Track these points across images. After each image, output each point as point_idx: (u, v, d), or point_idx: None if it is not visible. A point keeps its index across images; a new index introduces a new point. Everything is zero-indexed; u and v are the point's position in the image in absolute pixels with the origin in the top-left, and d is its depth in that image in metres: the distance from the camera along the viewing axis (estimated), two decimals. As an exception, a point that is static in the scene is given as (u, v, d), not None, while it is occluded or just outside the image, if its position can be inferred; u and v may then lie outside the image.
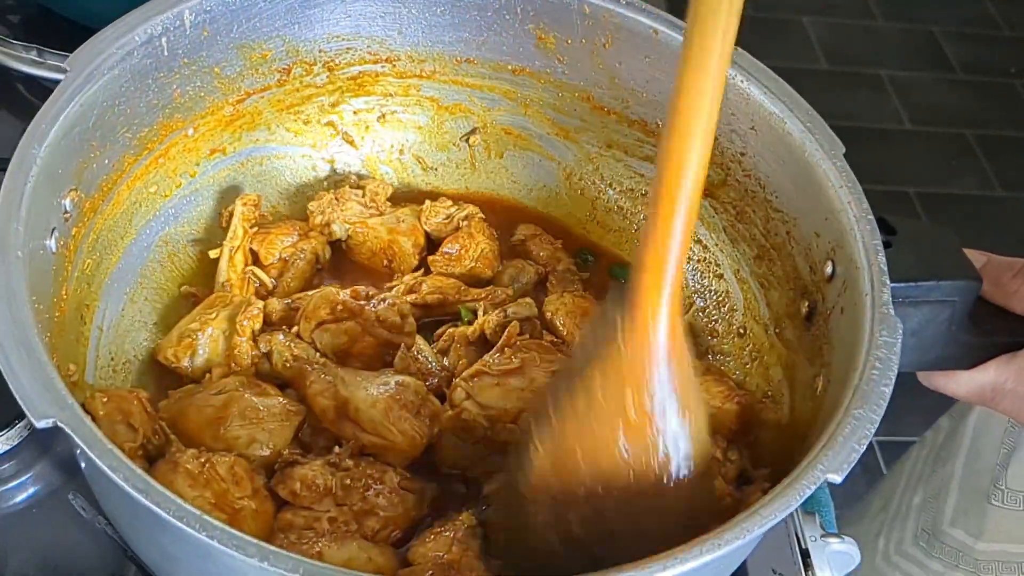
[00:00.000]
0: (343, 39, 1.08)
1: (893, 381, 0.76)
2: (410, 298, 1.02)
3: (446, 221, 1.11)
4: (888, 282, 0.83)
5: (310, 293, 1.01)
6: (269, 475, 0.86)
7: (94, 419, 0.83)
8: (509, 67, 1.12)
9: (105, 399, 0.84)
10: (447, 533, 0.81)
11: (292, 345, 0.95)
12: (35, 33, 1.21)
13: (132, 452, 0.83)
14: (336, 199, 1.09)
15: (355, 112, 1.15)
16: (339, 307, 0.96)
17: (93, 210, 0.91)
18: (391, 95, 1.15)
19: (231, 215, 1.04)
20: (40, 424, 0.65)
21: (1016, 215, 3.05)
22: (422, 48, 1.11)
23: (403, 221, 1.10)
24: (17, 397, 0.66)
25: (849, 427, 0.73)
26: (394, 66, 1.12)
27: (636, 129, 1.11)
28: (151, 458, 0.84)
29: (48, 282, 0.82)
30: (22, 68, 1.16)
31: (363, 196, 1.11)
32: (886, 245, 0.87)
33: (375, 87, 1.14)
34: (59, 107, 0.83)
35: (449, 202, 1.12)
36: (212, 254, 1.03)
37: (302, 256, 1.06)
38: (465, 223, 1.10)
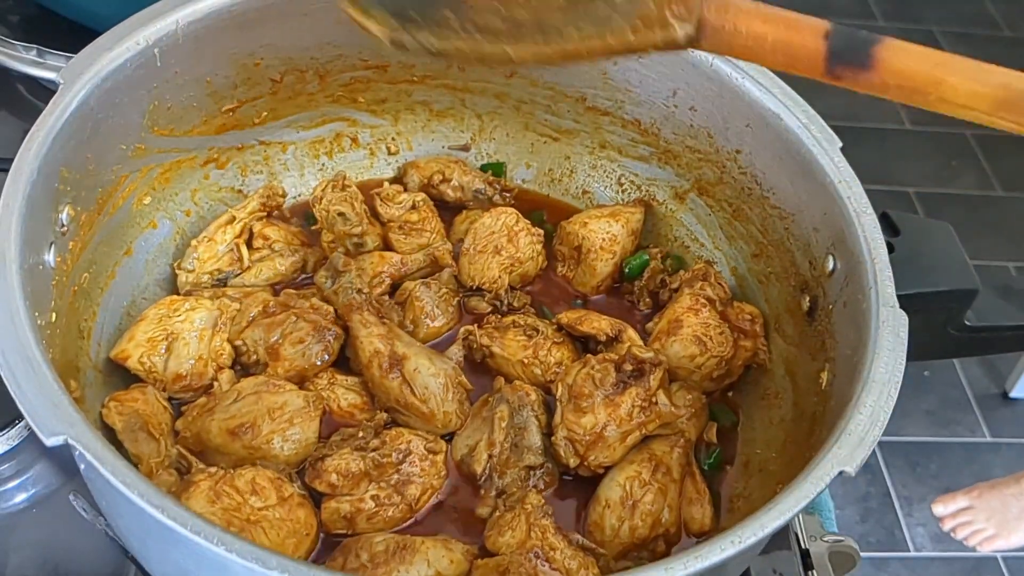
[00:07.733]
0: (334, 46, 1.07)
1: (902, 373, 0.77)
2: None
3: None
4: (891, 276, 0.84)
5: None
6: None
7: (115, 432, 0.84)
8: (502, 70, 1.11)
9: (120, 407, 0.85)
10: (521, 519, 0.82)
11: (357, 280, 0.99)
12: (35, 33, 1.19)
13: (158, 466, 0.83)
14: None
15: (346, 119, 1.14)
16: (271, 304, 0.97)
17: (89, 224, 0.89)
18: (383, 100, 1.14)
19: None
20: (50, 442, 0.64)
21: (1016, 215, 3.06)
22: (413, 53, 1.11)
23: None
24: (25, 415, 0.66)
25: (862, 420, 0.73)
26: (385, 72, 1.12)
27: (631, 129, 1.11)
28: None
29: (48, 298, 0.81)
30: (22, 68, 1.14)
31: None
32: (889, 248, 0.88)
33: (367, 93, 1.13)
34: (54, 119, 0.82)
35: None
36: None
37: (290, 255, 1.05)
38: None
